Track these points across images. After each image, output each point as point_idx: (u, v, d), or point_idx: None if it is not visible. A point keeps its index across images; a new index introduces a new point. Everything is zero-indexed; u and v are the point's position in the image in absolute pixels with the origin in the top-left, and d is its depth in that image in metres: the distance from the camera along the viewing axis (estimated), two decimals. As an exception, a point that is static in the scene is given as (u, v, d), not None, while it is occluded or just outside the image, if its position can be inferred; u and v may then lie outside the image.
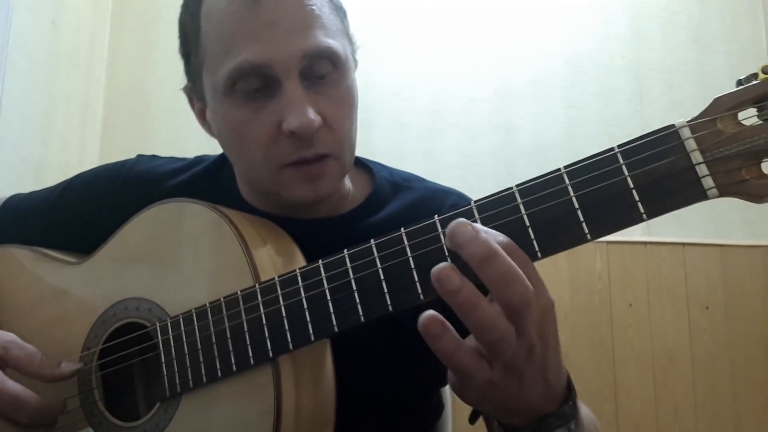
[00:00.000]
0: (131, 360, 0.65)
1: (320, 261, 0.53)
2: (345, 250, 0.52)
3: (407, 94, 2.07)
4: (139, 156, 0.82)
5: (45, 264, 0.73)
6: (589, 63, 2.11)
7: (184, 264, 0.62)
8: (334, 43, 0.62)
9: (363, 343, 0.59)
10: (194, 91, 0.69)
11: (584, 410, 0.60)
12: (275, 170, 0.63)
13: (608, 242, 1.94)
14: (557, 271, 1.93)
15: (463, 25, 2.13)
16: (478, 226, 0.44)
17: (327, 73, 0.62)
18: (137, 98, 2.03)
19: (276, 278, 0.55)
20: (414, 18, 2.13)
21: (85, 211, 0.77)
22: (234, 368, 0.56)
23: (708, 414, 1.89)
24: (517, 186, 0.48)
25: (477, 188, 1.98)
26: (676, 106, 2.06)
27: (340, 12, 0.67)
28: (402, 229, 0.50)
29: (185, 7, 0.67)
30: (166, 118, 1.99)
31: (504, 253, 0.42)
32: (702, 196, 0.44)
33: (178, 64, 0.69)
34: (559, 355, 0.48)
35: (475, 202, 0.49)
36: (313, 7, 0.62)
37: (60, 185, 0.82)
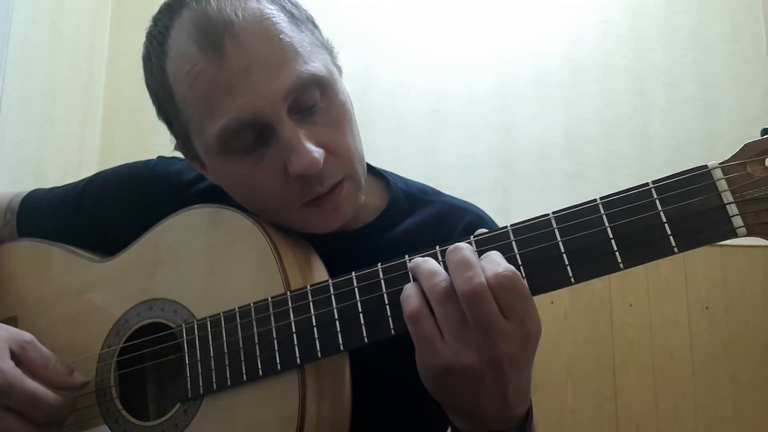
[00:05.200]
0: (151, 360, 0.65)
1: (353, 273, 0.55)
2: (378, 264, 0.54)
3: (407, 94, 2.07)
4: (160, 158, 0.81)
5: (68, 260, 0.73)
6: (589, 63, 2.11)
7: (214, 269, 0.62)
8: (314, 66, 0.59)
9: (376, 357, 0.59)
10: (187, 150, 0.67)
11: None
12: (294, 211, 0.62)
13: (608, 242, 1.93)
14: (557, 271, 1.92)
15: (464, 26, 2.13)
16: (493, 254, 0.49)
17: (316, 100, 0.59)
18: (137, 98, 2.02)
19: (308, 287, 0.56)
20: (414, 18, 2.13)
21: (105, 209, 0.77)
22: (260, 373, 0.56)
23: (708, 414, 1.89)
24: (553, 213, 0.50)
25: (477, 188, 1.98)
26: (676, 106, 2.06)
27: (307, 24, 0.63)
28: (437, 247, 0.52)
29: (149, 75, 0.65)
30: (166, 118, 1.98)
31: (465, 246, 0.49)
32: (731, 234, 0.46)
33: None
34: (526, 383, 0.51)
35: (511, 225, 0.51)
36: (280, 36, 0.58)
37: (80, 182, 0.81)
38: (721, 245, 1.98)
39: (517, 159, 2.03)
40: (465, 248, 0.49)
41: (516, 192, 2.00)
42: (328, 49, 0.65)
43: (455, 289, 0.48)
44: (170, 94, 0.61)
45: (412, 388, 0.68)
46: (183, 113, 0.61)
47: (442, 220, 0.74)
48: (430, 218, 0.73)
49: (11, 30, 1.54)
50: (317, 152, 0.58)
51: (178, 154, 0.78)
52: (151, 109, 0.69)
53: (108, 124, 2.02)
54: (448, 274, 0.49)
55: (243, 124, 0.57)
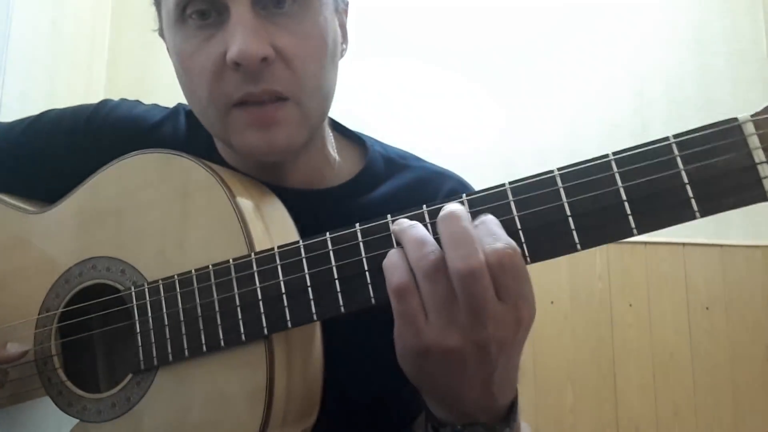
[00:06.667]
0: (98, 326, 0.59)
1: (327, 234, 0.49)
2: (356, 225, 0.48)
3: (406, 93, 2.07)
4: (122, 99, 0.75)
5: (1, 210, 0.65)
6: (589, 63, 2.11)
7: (165, 224, 0.55)
8: None
9: (346, 341, 0.56)
10: (161, 33, 0.63)
11: None
12: (223, 112, 0.56)
13: (608, 242, 1.93)
14: (557, 272, 1.93)
15: (464, 24, 2.13)
16: (489, 222, 0.44)
17: (287, 2, 0.55)
18: (137, 98, 2.02)
19: (276, 249, 0.50)
20: (414, 16, 2.13)
21: (52, 150, 0.69)
22: (222, 344, 0.50)
23: (708, 414, 1.89)
24: (558, 170, 0.45)
25: (477, 188, 1.98)
26: (676, 106, 2.06)
27: None
28: (424, 207, 0.47)
29: None
30: (166, 118, 1.98)
31: (460, 214, 0.43)
32: (761, 197, 0.41)
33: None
34: (513, 371, 0.47)
35: (510, 183, 0.46)
36: None
37: (27, 118, 0.73)
38: (721, 245, 1.98)
39: (517, 159, 2.03)
40: (461, 217, 0.43)
41: (516, 192, 2.00)
42: None
43: (447, 264, 0.42)
44: None
45: (382, 376, 0.62)
46: None
47: (422, 185, 0.69)
48: (409, 183, 0.69)
49: (11, 30, 1.54)
50: (260, 47, 0.52)
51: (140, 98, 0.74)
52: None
53: (108, 124, 2.02)
54: (438, 242, 0.44)
55: None
